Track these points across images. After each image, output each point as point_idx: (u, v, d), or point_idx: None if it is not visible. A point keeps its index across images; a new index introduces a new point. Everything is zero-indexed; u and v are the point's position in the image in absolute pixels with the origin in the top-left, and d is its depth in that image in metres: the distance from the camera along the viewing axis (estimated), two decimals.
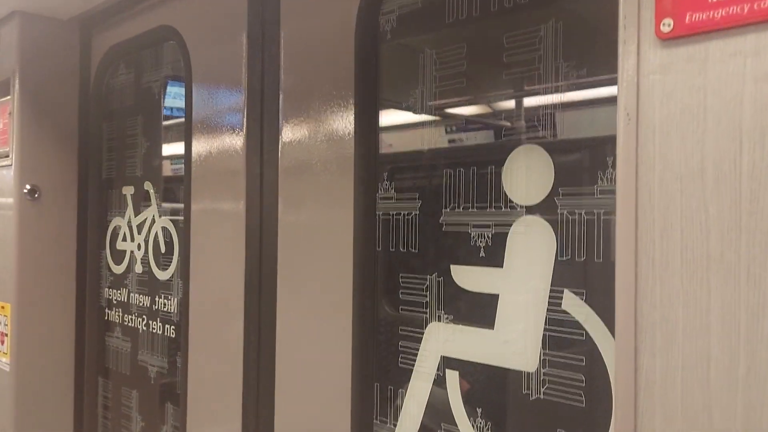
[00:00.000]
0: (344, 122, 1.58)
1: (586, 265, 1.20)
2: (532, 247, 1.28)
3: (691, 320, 0.83)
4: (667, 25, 0.82)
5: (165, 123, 2.33)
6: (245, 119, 1.83)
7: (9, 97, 2.44)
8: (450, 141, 1.45)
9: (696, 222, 0.82)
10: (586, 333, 1.20)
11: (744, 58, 0.79)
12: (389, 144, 1.58)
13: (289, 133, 1.72)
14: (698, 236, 0.82)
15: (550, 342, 1.25)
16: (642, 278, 0.86)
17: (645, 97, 0.85)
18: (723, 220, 0.81)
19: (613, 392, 1.12)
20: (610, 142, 1.05)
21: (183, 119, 2.08)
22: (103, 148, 2.55)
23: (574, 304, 1.22)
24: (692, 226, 0.83)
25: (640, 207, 0.86)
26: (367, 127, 1.56)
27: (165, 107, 2.31)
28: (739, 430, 0.80)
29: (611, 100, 1.04)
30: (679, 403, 0.84)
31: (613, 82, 0.98)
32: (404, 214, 1.51)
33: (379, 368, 1.56)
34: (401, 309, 1.51)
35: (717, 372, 0.81)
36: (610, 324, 1.16)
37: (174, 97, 2.30)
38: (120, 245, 2.45)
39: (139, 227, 2.35)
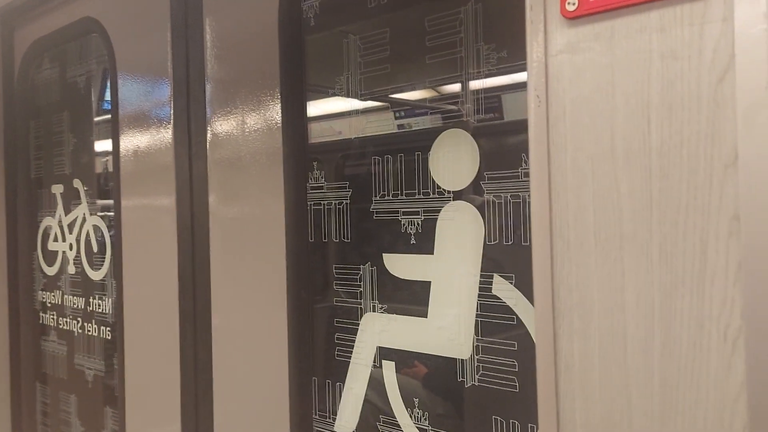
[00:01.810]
0: (271, 112, 1.54)
1: (514, 248, 1.19)
2: (460, 232, 1.26)
3: (606, 301, 0.82)
4: (572, 4, 0.81)
5: (94, 119, 2.24)
6: (172, 111, 1.77)
7: None
8: (377, 128, 1.42)
9: (608, 201, 0.82)
10: (517, 317, 1.20)
11: (649, 35, 0.78)
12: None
13: (217, 124, 1.67)
14: (611, 216, 0.82)
15: (482, 328, 1.24)
16: (558, 262, 0.86)
17: (554, 77, 0.84)
18: (635, 199, 0.80)
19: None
20: None
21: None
22: (31, 146, 2.44)
23: (503, 289, 1.21)
24: (605, 206, 0.82)
25: (554, 189, 0.85)
26: (295, 117, 1.52)
27: (96, 101, 2.22)
28: (656, 409, 0.80)
29: None
30: (597, 385, 0.84)
31: None
32: (335, 204, 1.48)
33: (317, 362, 1.53)
34: (336, 300, 1.49)
35: (633, 351, 0.81)
36: None
37: (101, 90, 2.21)
38: (52, 246, 2.36)
39: (70, 226, 2.26)
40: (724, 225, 0.75)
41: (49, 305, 2.40)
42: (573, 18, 0.82)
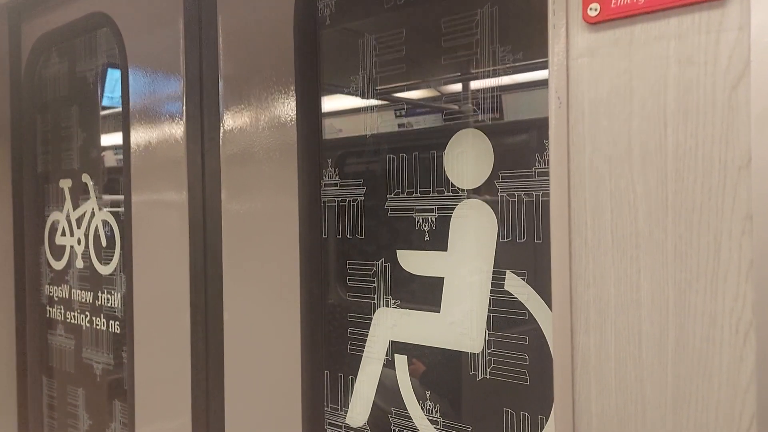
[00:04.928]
0: (286, 108, 1.57)
1: (527, 246, 1.22)
2: (474, 229, 1.29)
3: (622, 297, 0.86)
4: (594, 9, 0.84)
5: (102, 114, 2.26)
6: (184, 107, 1.79)
7: None
8: (392, 126, 1.45)
9: (625, 201, 0.85)
10: (528, 312, 1.23)
11: (667, 41, 0.81)
12: (339, 129, 1.57)
13: (230, 120, 1.69)
14: (627, 215, 0.85)
15: (494, 322, 1.27)
16: (576, 258, 0.89)
17: (574, 80, 0.87)
18: (650, 199, 0.83)
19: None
20: (546, 124, 1.07)
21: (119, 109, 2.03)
22: (38, 140, 2.46)
23: (515, 285, 1.24)
24: (621, 206, 0.85)
25: (572, 188, 0.88)
26: (309, 113, 1.55)
27: (105, 96, 2.24)
28: (669, 403, 0.83)
29: (546, 83, 1.06)
30: (613, 378, 0.87)
31: (547, 65, 0.99)
32: (349, 201, 1.50)
33: (329, 355, 1.56)
34: (349, 295, 1.51)
35: (648, 345, 0.84)
36: (550, 302, 1.18)
37: (111, 85, 2.23)
38: (59, 240, 2.37)
39: (79, 221, 2.28)
40: (737, 224, 0.78)
41: (56, 299, 2.41)
42: (594, 23, 0.85)
